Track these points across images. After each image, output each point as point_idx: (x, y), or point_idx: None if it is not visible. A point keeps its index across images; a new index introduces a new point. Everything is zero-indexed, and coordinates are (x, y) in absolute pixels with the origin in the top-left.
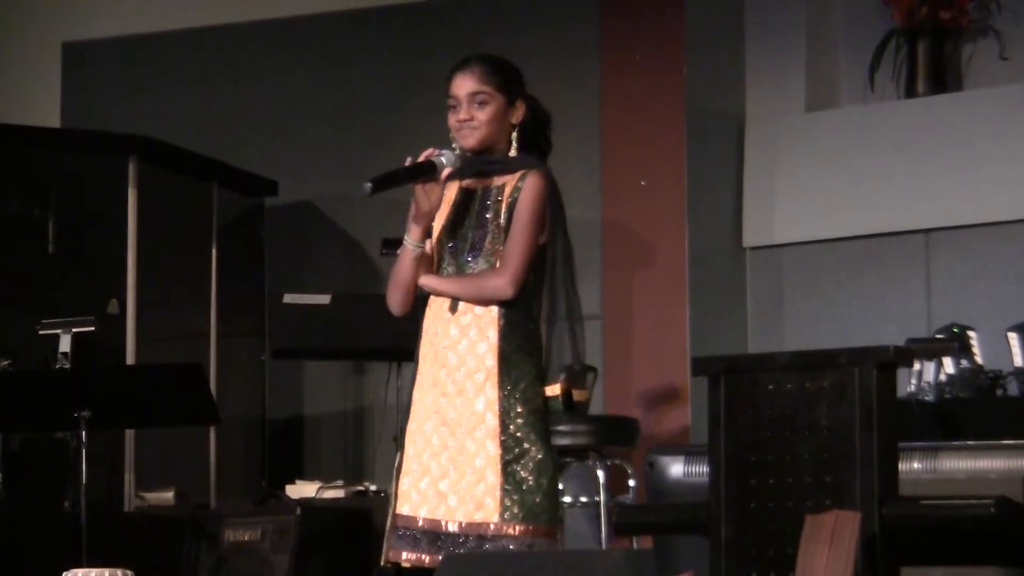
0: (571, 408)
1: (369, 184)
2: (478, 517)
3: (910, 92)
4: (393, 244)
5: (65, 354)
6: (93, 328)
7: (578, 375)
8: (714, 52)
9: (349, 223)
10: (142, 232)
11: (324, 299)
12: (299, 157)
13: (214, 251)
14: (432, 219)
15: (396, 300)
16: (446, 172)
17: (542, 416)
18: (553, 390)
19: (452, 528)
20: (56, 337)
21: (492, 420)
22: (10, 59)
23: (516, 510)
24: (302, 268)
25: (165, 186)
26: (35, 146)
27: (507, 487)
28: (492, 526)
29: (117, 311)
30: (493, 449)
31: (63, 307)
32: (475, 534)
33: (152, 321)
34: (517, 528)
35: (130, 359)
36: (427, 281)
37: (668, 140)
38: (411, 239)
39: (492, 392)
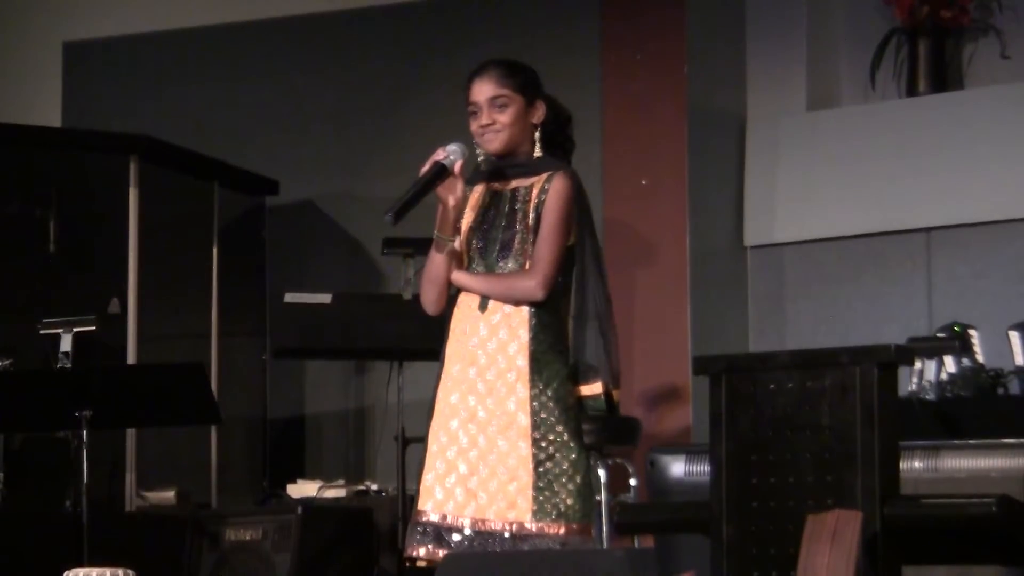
0: (613, 410)
1: (389, 216)
2: (511, 516)
3: (911, 91)
4: (394, 244)
5: (66, 353)
6: (94, 327)
7: (614, 374)
8: (715, 51)
9: (350, 222)
10: (143, 232)
11: (325, 298)
12: (300, 156)
13: (215, 251)
14: (460, 211)
15: (430, 297)
16: (459, 164)
17: (574, 415)
18: (592, 389)
19: (482, 527)
20: (57, 336)
21: (524, 420)
22: (11, 59)
23: (549, 509)
24: (303, 267)
25: (166, 186)
26: (36, 146)
27: (539, 486)
28: (526, 526)
29: (118, 310)
30: (525, 449)
31: (64, 306)
32: (508, 533)
33: (153, 320)
34: (550, 527)
35: (131, 358)
36: (459, 277)
37: (669, 139)
38: (442, 234)
39: (523, 392)
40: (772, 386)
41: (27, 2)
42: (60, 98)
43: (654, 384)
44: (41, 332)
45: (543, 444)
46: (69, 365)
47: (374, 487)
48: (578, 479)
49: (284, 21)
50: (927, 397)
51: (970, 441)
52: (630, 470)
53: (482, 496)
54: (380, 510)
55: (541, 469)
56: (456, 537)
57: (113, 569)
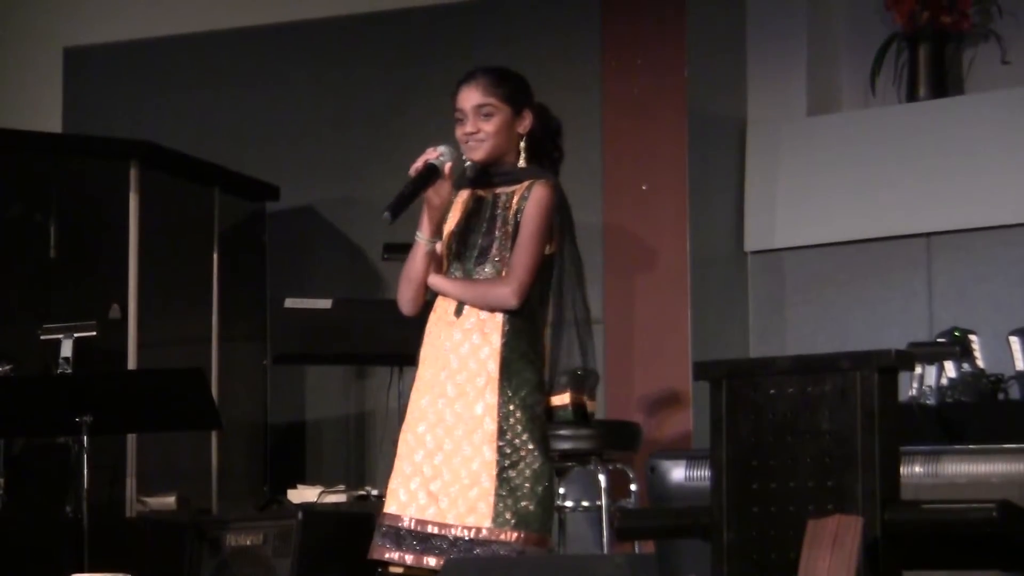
0: (585, 420)
1: (387, 214)
2: (470, 521)
3: (911, 96)
4: (394, 249)
5: (67, 359)
6: (95, 333)
7: (586, 383)
8: (715, 56)
9: (350, 228)
10: (144, 237)
11: (325, 304)
12: (300, 162)
13: (216, 256)
14: (444, 213)
15: (406, 297)
16: (448, 167)
17: (541, 424)
18: (561, 399)
19: (441, 531)
20: (58, 342)
21: (490, 425)
22: (12, 64)
23: (508, 516)
24: (303, 273)
25: (167, 191)
26: (37, 151)
27: (501, 493)
28: (484, 531)
29: (119, 316)
30: (489, 454)
31: (64, 312)
32: (466, 538)
33: (154, 326)
34: (508, 534)
35: (132, 364)
36: (435, 280)
37: (669, 144)
38: (423, 234)
39: (492, 397)
40: (772, 391)
41: (28, 7)
42: (61, 103)
43: (654, 389)
44: (41, 338)
45: (507, 451)
46: (69, 371)
47: (374, 492)
48: (540, 489)
49: (284, 26)
50: (928, 402)
51: (971, 446)
52: (630, 475)
53: (443, 500)
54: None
55: (504, 476)
56: (416, 541)
57: (114, 574)
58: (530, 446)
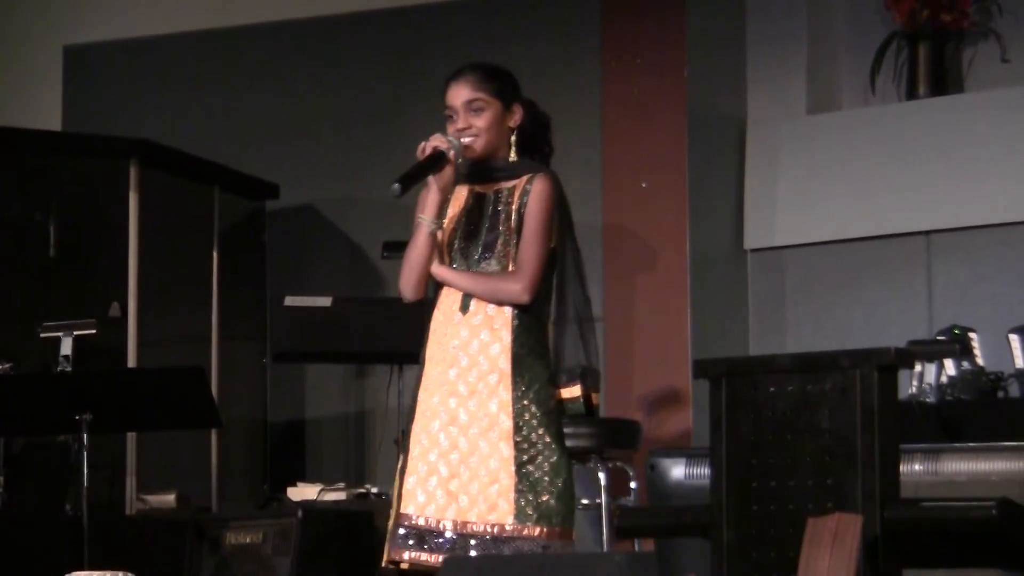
0: (591, 413)
1: (397, 185)
2: (492, 518)
3: (911, 94)
4: (394, 247)
5: (66, 357)
6: (94, 331)
7: (589, 378)
8: (715, 55)
9: (350, 226)
10: (143, 235)
11: (325, 302)
12: (300, 161)
13: (215, 254)
14: (446, 197)
15: (410, 282)
16: (453, 154)
17: (556, 418)
18: (572, 392)
19: (464, 529)
20: (57, 340)
21: (506, 422)
22: (12, 63)
23: (530, 511)
24: (303, 271)
25: (166, 190)
26: (36, 150)
27: (521, 488)
28: (507, 528)
29: (118, 314)
30: (507, 451)
31: (64, 310)
32: (489, 535)
33: (153, 324)
34: (531, 530)
35: (131, 362)
36: (440, 271)
37: (669, 143)
38: (426, 216)
39: (506, 394)
40: (772, 389)
41: (28, 6)
42: (60, 102)
43: (654, 387)
44: (41, 336)
45: (525, 447)
46: (69, 369)
47: (374, 490)
48: (559, 482)
49: (284, 25)
50: (927, 400)
51: (970, 444)
52: (630, 473)
53: (463, 498)
54: (380, 513)
55: (523, 471)
56: (438, 540)
57: (113, 572)
58: (547, 439)
